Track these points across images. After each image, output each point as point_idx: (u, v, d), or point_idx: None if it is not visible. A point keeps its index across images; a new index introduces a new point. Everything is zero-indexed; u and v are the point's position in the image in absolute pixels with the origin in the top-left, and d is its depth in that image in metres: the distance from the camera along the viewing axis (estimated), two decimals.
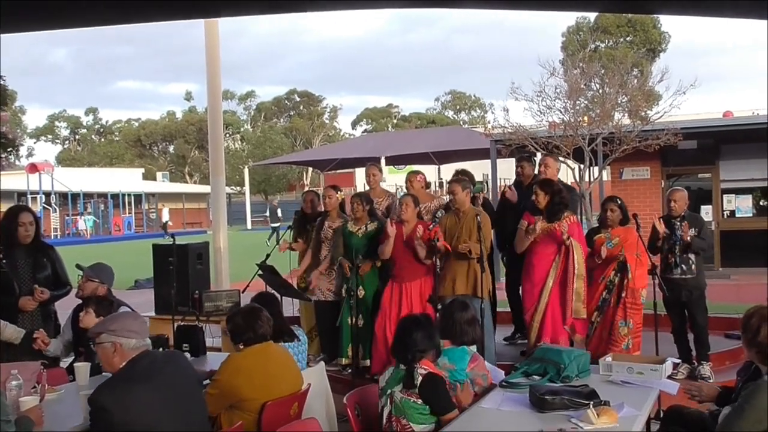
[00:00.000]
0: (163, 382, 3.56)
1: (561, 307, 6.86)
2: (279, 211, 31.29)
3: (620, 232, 6.98)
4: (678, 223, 6.95)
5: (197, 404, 3.79)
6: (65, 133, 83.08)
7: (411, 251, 7.03)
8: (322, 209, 8.23)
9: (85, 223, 43.75)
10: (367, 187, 8.21)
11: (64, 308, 6.73)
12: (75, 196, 45.89)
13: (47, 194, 42.16)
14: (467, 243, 6.77)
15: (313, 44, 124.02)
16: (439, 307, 6.52)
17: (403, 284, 7.11)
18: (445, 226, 7.01)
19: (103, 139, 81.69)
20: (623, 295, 6.90)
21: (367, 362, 7.27)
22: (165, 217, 45.07)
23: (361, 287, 7.30)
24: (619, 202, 7.13)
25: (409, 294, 7.06)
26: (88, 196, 46.65)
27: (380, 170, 8.33)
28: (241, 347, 4.41)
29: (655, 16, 40.06)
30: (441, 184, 31.43)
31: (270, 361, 4.35)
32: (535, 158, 8.41)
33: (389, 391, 4.09)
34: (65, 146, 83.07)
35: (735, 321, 7.87)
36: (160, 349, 4.82)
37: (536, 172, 7.92)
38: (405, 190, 7.95)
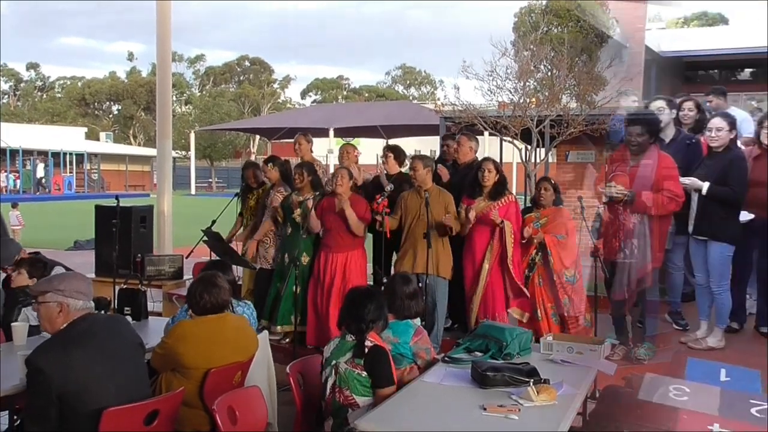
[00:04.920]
0: (100, 345, 3.52)
1: (501, 289, 6.88)
2: None
3: (550, 212, 7.03)
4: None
5: (136, 367, 3.74)
6: (5, 87, 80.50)
7: (343, 222, 7.00)
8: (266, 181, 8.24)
9: None
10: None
11: None
12: (13, 153, 44.55)
13: None
14: (448, 218, 6.73)
15: (265, 12, 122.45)
16: (385, 281, 6.57)
17: (330, 254, 7.09)
18: (406, 203, 6.96)
19: (44, 96, 79.29)
20: (555, 278, 6.90)
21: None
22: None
23: (305, 254, 7.27)
24: (553, 182, 7.21)
25: (334, 264, 7.04)
26: (27, 153, 45.23)
27: (308, 140, 8.20)
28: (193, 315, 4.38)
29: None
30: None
31: (221, 333, 4.25)
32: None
33: (334, 362, 4.07)
34: (4, 101, 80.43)
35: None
36: (102, 312, 4.73)
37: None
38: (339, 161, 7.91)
